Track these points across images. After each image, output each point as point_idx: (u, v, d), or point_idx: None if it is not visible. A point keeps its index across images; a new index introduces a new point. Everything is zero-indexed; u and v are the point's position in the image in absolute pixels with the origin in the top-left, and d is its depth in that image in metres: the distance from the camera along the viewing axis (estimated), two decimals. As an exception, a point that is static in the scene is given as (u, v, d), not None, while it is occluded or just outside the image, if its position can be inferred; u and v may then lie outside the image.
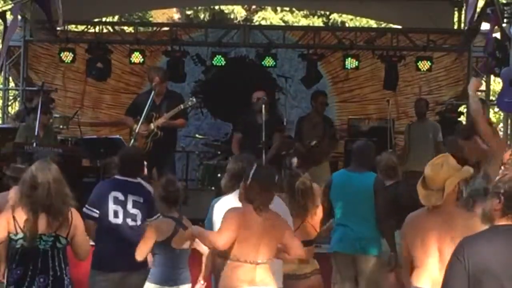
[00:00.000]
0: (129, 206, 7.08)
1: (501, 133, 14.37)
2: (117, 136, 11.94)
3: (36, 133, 10.72)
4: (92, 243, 6.89)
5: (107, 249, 6.95)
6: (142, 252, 6.52)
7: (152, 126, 10.44)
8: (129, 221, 7.05)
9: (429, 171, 5.34)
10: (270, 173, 5.65)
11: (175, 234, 6.57)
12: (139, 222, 7.07)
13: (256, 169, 5.60)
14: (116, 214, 7.08)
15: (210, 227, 6.08)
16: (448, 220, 5.22)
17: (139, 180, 7.25)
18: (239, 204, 5.74)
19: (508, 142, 11.42)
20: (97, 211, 7.10)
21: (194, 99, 11.05)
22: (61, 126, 12.77)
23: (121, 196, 7.10)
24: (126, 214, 7.07)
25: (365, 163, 8.12)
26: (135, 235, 6.81)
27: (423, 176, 5.35)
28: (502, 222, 3.87)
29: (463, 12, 14.84)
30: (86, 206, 7.14)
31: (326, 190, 7.91)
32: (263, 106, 10.20)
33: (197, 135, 14.25)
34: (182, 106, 10.51)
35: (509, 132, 13.09)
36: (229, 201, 6.09)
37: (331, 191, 7.95)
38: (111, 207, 7.09)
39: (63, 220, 5.75)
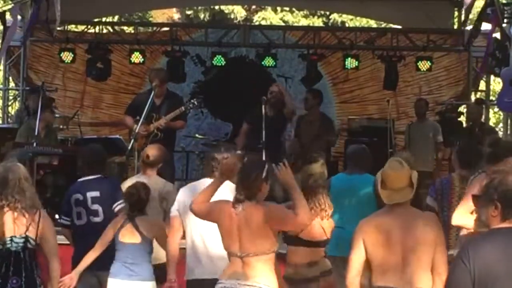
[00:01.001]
0: (89, 203, 7.16)
1: (501, 133, 14.37)
2: (117, 136, 11.95)
3: (36, 133, 10.73)
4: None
5: (80, 250, 6.97)
6: (99, 246, 6.61)
7: (151, 127, 10.44)
8: (92, 219, 7.12)
9: (390, 171, 5.30)
10: (251, 169, 5.48)
11: (121, 228, 6.65)
12: (102, 217, 7.13)
13: (242, 165, 5.56)
14: (79, 216, 7.18)
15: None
16: (409, 219, 5.21)
17: (98, 175, 7.28)
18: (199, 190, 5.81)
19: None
20: (68, 218, 7.24)
21: (196, 102, 11.04)
22: (61, 126, 12.76)
23: (80, 197, 7.19)
24: (89, 212, 7.14)
25: (363, 165, 8.10)
26: (101, 231, 6.84)
27: (382, 179, 5.30)
28: (503, 225, 3.84)
29: (463, 12, 14.84)
30: (61, 216, 7.33)
31: None
32: (263, 104, 10.37)
33: (197, 135, 14.23)
34: (183, 109, 10.52)
35: (509, 132, 13.07)
36: (192, 187, 6.28)
37: (331, 193, 7.91)
38: (74, 210, 7.21)
39: (31, 221, 5.77)
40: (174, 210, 6.29)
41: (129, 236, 6.66)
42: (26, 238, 5.76)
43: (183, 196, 6.27)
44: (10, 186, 5.75)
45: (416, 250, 5.14)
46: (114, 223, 6.76)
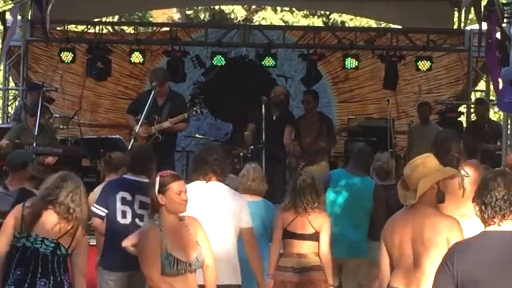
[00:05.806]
0: (136, 206, 7.03)
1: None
2: (117, 136, 11.93)
3: (36, 132, 10.74)
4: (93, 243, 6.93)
5: (116, 248, 6.72)
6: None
7: (153, 129, 10.43)
8: (137, 221, 7.02)
9: (407, 170, 5.31)
10: None
11: None
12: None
13: None
14: (124, 215, 7.06)
15: None
16: (420, 221, 5.17)
17: (147, 180, 7.22)
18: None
19: (508, 142, 11.41)
20: (105, 210, 7.11)
21: (198, 110, 11.08)
22: (61, 126, 12.76)
23: (128, 197, 7.07)
24: (134, 214, 7.04)
25: (363, 166, 8.12)
26: None
27: (403, 176, 5.31)
28: (490, 229, 3.88)
29: (463, 12, 14.84)
30: (94, 204, 7.15)
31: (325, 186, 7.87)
32: (263, 104, 10.45)
33: (197, 135, 14.21)
34: (185, 115, 10.54)
35: (509, 132, 13.07)
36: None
37: (329, 187, 7.92)
38: (119, 207, 7.07)
39: (67, 230, 5.68)
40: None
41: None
42: (57, 244, 5.68)
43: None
44: (65, 189, 5.64)
45: (428, 252, 5.10)
46: None
